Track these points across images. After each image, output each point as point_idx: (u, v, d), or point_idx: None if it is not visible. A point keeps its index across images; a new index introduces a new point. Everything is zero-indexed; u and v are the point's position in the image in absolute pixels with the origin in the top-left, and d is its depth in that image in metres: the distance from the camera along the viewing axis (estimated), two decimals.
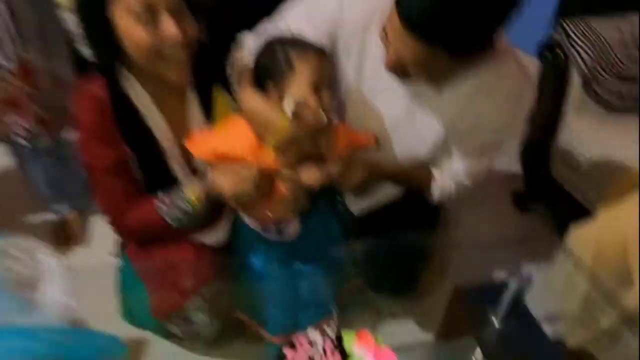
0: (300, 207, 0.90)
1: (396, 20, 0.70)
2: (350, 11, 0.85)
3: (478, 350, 0.89)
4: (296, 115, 0.75)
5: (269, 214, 0.89)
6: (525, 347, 0.91)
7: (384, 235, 0.97)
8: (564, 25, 1.36)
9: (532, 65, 1.25)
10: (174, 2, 0.71)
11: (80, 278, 0.82)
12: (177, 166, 0.88)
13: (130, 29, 0.71)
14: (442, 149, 0.92)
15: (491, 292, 0.96)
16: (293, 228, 0.93)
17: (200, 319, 0.97)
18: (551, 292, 1.02)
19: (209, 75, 0.86)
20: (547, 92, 1.44)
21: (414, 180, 0.99)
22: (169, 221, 0.84)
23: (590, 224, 0.99)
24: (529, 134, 1.51)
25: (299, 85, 0.77)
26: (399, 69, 0.79)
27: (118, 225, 0.89)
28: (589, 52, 1.33)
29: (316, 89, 0.78)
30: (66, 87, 1.24)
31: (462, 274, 1.15)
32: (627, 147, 1.26)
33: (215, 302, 0.97)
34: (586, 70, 1.34)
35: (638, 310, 0.84)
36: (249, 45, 0.89)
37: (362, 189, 0.94)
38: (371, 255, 1.05)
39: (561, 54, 1.37)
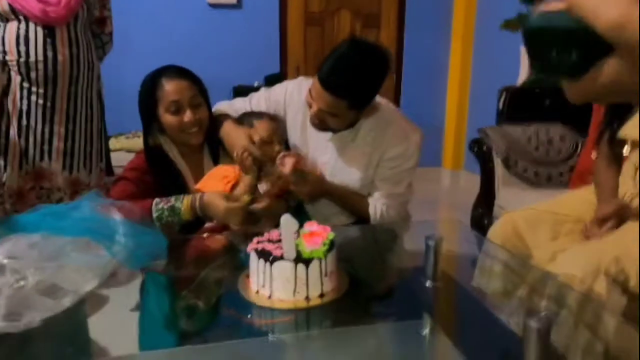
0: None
1: (317, 83, 1.13)
2: (291, 100, 1.33)
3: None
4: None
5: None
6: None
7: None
8: (485, 130, 1.97)
9: None
10: (193, 100, 1.20)
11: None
12: None
13: (167, 118, 1.20)
14: (368, 181, 1.33)
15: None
16: None
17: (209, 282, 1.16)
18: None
19: (217, 140, 1.31)
20: (483, 175, 1.95)
21: (355, 205, 1.35)
22: (154, 214, 1.13)
23: (496, 225, 1.35)
24: (475, 205, 1.95)
25: (254, 135, 1.23)
26: (320, 122, 1.20)
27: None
28: (503, 143, 1.88)
29: (267, 140, 1.22)
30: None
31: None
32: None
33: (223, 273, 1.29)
34: (504, 155, 1.87)
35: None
36: (222, 107, 1.37)
37: (312, 199, 1.33)
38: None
39: (485, 148, 1.94)
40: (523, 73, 2.44)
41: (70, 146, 1.71)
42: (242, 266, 0.93)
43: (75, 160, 1.72)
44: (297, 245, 0.78)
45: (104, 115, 1.85)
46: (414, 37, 3.52)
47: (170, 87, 1.21)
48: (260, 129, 1.25)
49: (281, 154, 1.23)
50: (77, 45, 1.66)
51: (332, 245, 0.82)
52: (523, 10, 2.42)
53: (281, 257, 0.78)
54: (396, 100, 3.63)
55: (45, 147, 1.65)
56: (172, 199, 1.16)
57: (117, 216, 0.90)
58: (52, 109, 1.64)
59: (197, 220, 1.20)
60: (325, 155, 1.32)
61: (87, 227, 0.84)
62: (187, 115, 1.21)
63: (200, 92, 1.26)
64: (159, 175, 1.25)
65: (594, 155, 1.72)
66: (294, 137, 1.36)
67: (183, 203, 1.15)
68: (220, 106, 1.40)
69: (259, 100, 1.38)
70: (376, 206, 1.32)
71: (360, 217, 1.36)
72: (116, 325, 0.86)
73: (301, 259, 0.78)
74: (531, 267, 1.18)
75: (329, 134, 1.28)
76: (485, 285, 1.15)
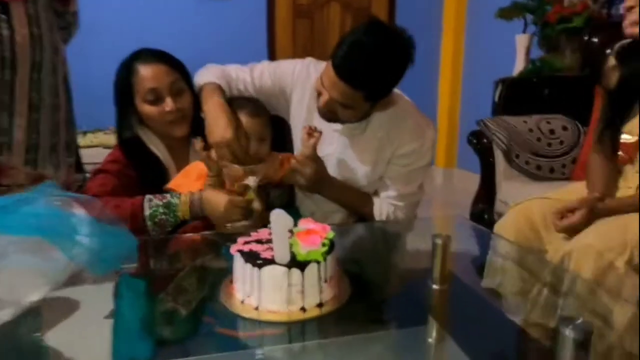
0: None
1: (331, 70, 1.00)
2: (298, 81, 1.17)
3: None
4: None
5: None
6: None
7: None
8: (484, 121, 1.87)
9: None
10: (173, 87, 1.07)
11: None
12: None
13: (145, 108, 1.08)
14: (375, 178, 1.20)
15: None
16: None
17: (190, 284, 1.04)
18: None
19: (202, 129, 1.20)
20: (483, 169, 1.86)
21: (357, 202, 1.22)
22: (147, 211, 1.00)
23: (506, 217, 1.24)
24: (475, 201, 1.85)
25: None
26: (329, 113, 1.06)
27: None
28: (504, 135, 1.79)
29: (246, 135, 1.07)
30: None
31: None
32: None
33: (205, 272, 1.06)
34: (504, 147, 1.77)
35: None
36: (211, 72, 1.16)
37: (312, 187, 1.16)
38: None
39: (485, 140, 1.84)
40: (519, 63, 2.36)
41: (34, 139, 1.54)
42: (227, 269, 0.79)
43: (39, 155, 1.55)
44: (291, 246, 0.66)
45: (72, 105, 1.68)
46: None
47: (146, 73, 1.08)
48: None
49: (307, 127, 1.09)
50: (37, 25, 1.49)
51: (332, 245, 0.70)
52: None
53: (272, 261, 0.65)
54: None
55: (5, 139, 1.50)
56: (168, 195, 1.04)
57: (79, 212, 0.77)
58: (11, 97, 1.48)
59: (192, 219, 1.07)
60: (331, 146, 1.19)
61: (39, 224, 0.69)
62: (168, 104, 1.08)
63: (182, 77, 1.13)
64: (140, 169, 1.11)
65: None
66: (298, 123, 1.22)
67: (180, 199, 1.02)
68: (208, 71, 1.18)
69: (263, 74, 1.20)
70: (382, 207, 1.20)
71: (362, 217, 1.24)
72: (87, 334, 0.74)
73: (296, 263, 0.65)
74: (548, 263, 1.08)
75: (337, 124, 1.15)
76: (496, 285, 1.05)
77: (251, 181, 1.02)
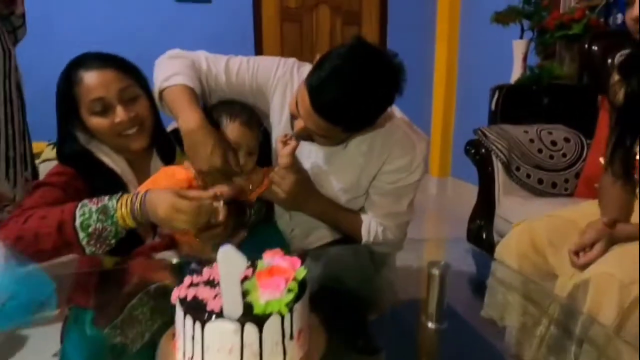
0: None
1: (306, 98, 0.86)
2: (277, 85, 1.04)
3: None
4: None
5: (195, 243, 0.93)
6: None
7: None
8: (482, 130, 1.74)
9: None
10: (123, 94, 0.92)
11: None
12: None
13: (93, 121, 0.92)
14: (357, 196, 1.08)
15: None
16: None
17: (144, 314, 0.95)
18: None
19: (168, 142, 1.04)
20: (481, 182, 1.72)
21: (344, 221, 1.09)
22: (78, 219, 0.82)
23: (508, 238, 1.11)
24: (472, 216, 1.71)
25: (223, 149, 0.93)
26: (306, 137, 0.96)
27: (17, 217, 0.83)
28: (504, 145, 1.66)
29: (235, 148, 0.95)
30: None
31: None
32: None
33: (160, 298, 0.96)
34: (504, 159, 1.64)
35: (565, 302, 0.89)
36: (175, 61, 0.99)
37: (291, 203, 1.04)
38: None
39: (483, 150, 1.71)
40: (517, 70, 2.25)
41: None
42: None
43: None
44: (246, 294, 0.52)
45: (25, 113, 1.54)
46: (397, 35, 3.34)
47: (90, 81, 0.92)
48: (230, 133, 0.97)
49: (282, 135, 0.97)
50: None
51: (302, 289, 0.55)
52: (513, 2, 2.24)
53: (220, 314, 0.50)
54: None
55: None
56: (106, 197, 0.86)
57: None
58: None
59: (137, 236, 0.91)
60: (309, 159, 1.07)
61: None
62: (118, 114, 0.92)
63: (136, 82, 0.97)
64: (93, 181, 0.95)
65: (602, 160, 1.52)
66: (278, 130, 1.08)
67: (119, 201, 0.84)
68: (173, 61, 1.00)
69: (240, 70, 1.04)
70: (370, 226, 1.08)
71: (348, 236, 1.11)
72: None
73: (251, 317, 0.50)
74: (555, 297, 0.94)
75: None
76: (498, 318, 0.92)
77: (220, 205, 0.87)
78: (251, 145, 0.99)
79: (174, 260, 0.93)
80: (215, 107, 1.03)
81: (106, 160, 0.97)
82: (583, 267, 0.92)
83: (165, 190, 0.84)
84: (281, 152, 0.97)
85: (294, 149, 0.97)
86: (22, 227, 0.82)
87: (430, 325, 0.80)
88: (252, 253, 0.94)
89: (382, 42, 3.36)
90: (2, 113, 1.40)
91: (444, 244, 1.28)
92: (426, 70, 3.42)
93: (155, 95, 1.00)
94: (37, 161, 2.20)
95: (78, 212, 0.83)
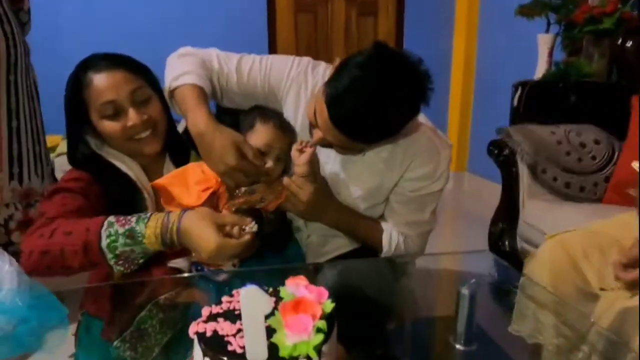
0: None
1: (325, 114, 0.82)
2: (291, 86, 0.99)
3: None
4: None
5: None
6: None
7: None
8: (507, 130, 1.67)
9: None
10: (136, 96, 0.88)
11: None
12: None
13: (104, 125, 0.89)
14: (379, 202, 1.03)
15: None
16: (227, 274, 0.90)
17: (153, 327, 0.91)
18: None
19: (181, 145, 0.99)
20: (504, 184, 1.65)
21: (364, 232, 1.04)
22: (104, 240, 0.77)
23: (541, 251, 1.04)
24: (494, 219, 1.65)
25: (253, 142, 0.91)
26: (324, 144, 0.91)
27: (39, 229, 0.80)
28: (530, 146, 1.58)
29: (262, 150, 0.91)
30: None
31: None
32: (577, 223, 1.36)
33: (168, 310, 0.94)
34: (530, 161, 1.57)
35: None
36: (185, 60, 0.94)
37: (309, 214, 0.99)
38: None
39: (507, 151, 1.63)
40: (541, 65, 2.15)
41: (17, 149, 1.38)
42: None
43: (24, 167, 1.39)
44: (269, 330, 0.47)
45: (41, 109, 1.52)
46: (414, 27, 3.24)
47: (100, 83, 0.88)
48: (261, 135, 0.94)
49: (298, 143, 0.92)
50: (9, 23, 1.33)
51: (331, 324, 0.50)
52: None
53: (242, 356, 0.46)
54: None
55: None
56: (133, 218, 0.80)
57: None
58: None
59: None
60: (326, 165, 1.02)
61: None
62: (131, 118, 0.88)
63: (147, 84, 0.93)
64: (106, 184, 0.91)
65: (635, 164, 1.44)
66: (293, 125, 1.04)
67: (148, 226, 0.78)
68: (183, 60, 0.95)
69: (252, 70, 0.99)
70: (392, 235, 1.03)
71: (368, 246, 1.06)
72: None
73: None
74: (595, 322, 0.88)
75: None
76: (528, 335, 0.87)
77: (253, 227, 0.82)
78: (282, 150, 0.96)
79: (185, 274, 0.89)
80: (248, 111, 1.00)
81: (119, 164, 0.94)
82: (631, 285, 0.86)
83: (204, 223, 0.77)
84: (297, 161, 0.92)
85: (311, 156, 0.92)
86: (48, 241, 0.78)
87: (458, 347, 0.76)
88: (268, 263, 0.94)
89: (398, 34, 3.27)
90: (27, 109, 1.38)
91: (470, 258, 1.21)
92: (444, 63, 3.33)
93: (166, 94, 0.96)
94: (52, 155, 2.20)
95: (104, 233, 0.78)
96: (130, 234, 0.77)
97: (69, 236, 0.77)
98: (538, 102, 1.93)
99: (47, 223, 0.81)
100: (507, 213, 1.64)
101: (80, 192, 0.88)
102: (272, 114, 0.98)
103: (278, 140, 0.95)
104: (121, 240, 0.77)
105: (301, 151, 0.92)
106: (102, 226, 0.78)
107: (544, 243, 1.04)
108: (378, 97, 0.79)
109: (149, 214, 0.81)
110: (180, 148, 1.00)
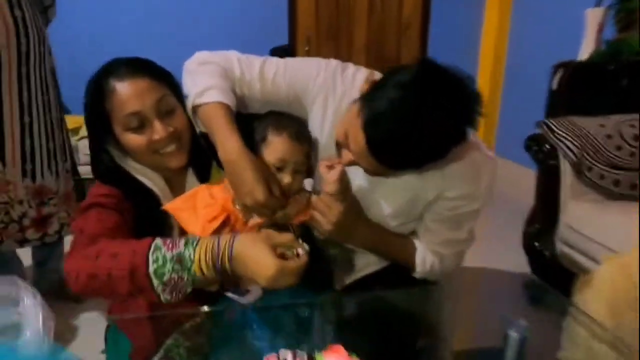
0: None
1: (361, 140, 0.73)
2: (319, 93, 0.90)
3: None
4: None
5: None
6: None
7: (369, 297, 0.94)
8: (547, 123, 1.51)
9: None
10: (161, 106, 0.83)
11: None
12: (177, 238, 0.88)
13: (128, 138, 0.83)
14: (411, 220, 0.94)
15: (492, 355, 0.88)
16: (254, 294, 0.85)
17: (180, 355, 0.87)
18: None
19: (203, 157, 0.93)
20: (540, 182, 1.51)
21: (396, 252, 0.96)
22: (151, 266, 0.70)
23: (597, 276, 0.93)
24: (530, 219, 1.52)
25: (267, 156, 0.85)
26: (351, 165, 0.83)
27: (80, 250, 0.76)
28: (575, 142, 1.44)
29: (278, 166, 0.84)
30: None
31: (459, 338, 1.04)
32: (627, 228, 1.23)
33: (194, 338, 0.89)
34: (575, 159, 1.43)
35: None
36: (203, 70, 0.88)
37: (338, 235, 0.90)
38: (356, 317, 0.99)
39: (547, 147, 1.49)
40: (588, 44, 1.94)
41: (29, 145, 1.34)
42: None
43: (37, 163, 1.36)
44: None
45: (62, 100, 1.47)
46: (441, 1, 3.02)
47: (124, 92, 0.81)
48: (275, 149, 0.86)
49: (325, 160, 0.85)
50: (20, 7, 1.25)
51: None
52: None
53: None
54: None
55: None
56: (182, 242, 0.72)
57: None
58: None
59: None
60: (354, 180, 0.92)
61: None
62: (157, 131, 0.82)
63: (171, 91, 0.86)
64: (132, 199, 0.87)
65: None
66: (318, 145, 0.96)
67: (197, 251, 0.71)
68: (204, 70, 0.88)
69: (276, 76, 0.91)
70: (426, 255, 0.94)
71: (399, 265, 0.98)
72: None
73: None
74: None
75: None
76: None
77: (305, 248, 0.75)
78: (299, 162, 0.87)
79: (206, 308, 0.83)
80: (261, 119, 0.91)
81: (143, 179, 0.88)
82: None
83: (259, 246, 0.71)
84: (327, 178, 0.84)
85: (342, 173, 0.83)
86: (95, 264, 0.73)
87: None
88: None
89: (424, 9, 3.07)
90: (40, 102, 1.33)
91: (510, 278, 1.10)
92: (472, 39, 3.11)
93: (189, 109, 0.89)
94: (75, 138, 2.17)
95: (151, 258, 0.71)
96: (178, 259, 0.71)
97: (115, 259, 0.72)
98: (582, 85, 1.74)
99: (89, 242, 0.77)
100: (545, 213, 1.51)
101: (114, 208, 0.83)
102: (286, 123, 0.89)
103: (293, 153, 0.86)
104: (169, 265, 0.70)
105: (330, 167, 0.84)
106: (149, 249, 0.71)
107: (601, 267, 0.92)
108: (422, 124, 0.70)
109: (197, 238, 0.74)
110: (203, 160, 0.94)
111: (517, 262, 1.55)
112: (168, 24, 2.60)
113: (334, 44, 3.02)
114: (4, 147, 1.30)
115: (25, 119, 1.31)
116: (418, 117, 0.69)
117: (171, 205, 0.85)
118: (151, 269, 0.70)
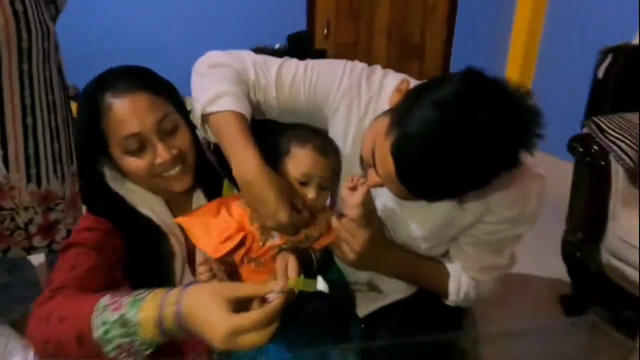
0: None
1: (390, 165, 0.63)
2: (341, 101, 0.81)
3: None
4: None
5: None
6: None
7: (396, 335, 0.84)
8: (596, 120, 1.36)
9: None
10: (164, 125, 0.74)
11: None
12: (179, 266, 0.82)
13: (127, 162, 0.74)
14: (442, 242, 0.85)
15: None
16: None
17: None
18: None
19: (212, 174, 0.86)
20: (586, 188, 1.37)
21: (426, 280, 0.87)
22: (95, 332, 0.59)
23: None
24: (570, 231, 1.39)
25: (290, 170, 0.77)
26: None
27: (40, 312, 0.67)
28: (630, 143, 1.29)
29: (302, 181, 0.77)
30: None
31: None
32: None
33: None
34: (630, 162, 1.28)
35: None
36: (215, 73, 0.80)
37: (360, 262, 0.80)
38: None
39: (596, 148, 1.34)
40: None
41: (33, 148, 1.26)
42: None
43: (42, 167, 1.29)
44: None
45: (68, 99, 1.37)
46: None
47: (121, 111, 0.72)
48: (298, 163, 0.77)
49: (350, 178, 0.75)
50: (21, 0, 1.16)
51: None
52: None
53: None
54: (446, 55, 3.09)
55: None
56: (128, 299, 0.60)
57: None
58: None
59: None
60: (379, 199, 0.82)
61: None
62: (160, 154, 0.73)
63: (172, 106, 0.76)
64: (126, 231, 0.78)
65: None
66: (342, 149, 0.86)
67: (142, 310, 0.58)
68: (216, 74, 0.79)
69: (294, 82, 0.82)
70: (461, 282, 0.84)
71: (429, 291, 0.88)
72: None
73: None
74: None
75: None
76: None
77: (321, 285, 0.64)
78: (324, 178, 0.78)
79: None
80: (282, 133, 0.82)
81: (141, 208, 0.79)
82: None
83: (215, 301, 0.57)
84: (349, 201, 0.73)
85: (366, 196, 0.72)
86: (45, 328, 0.65)
87: None
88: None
89: None
90: (44, 103, 1.24)
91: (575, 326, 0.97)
92: (503, 21, 2.91)
93: (197, 117, 0.79)
94: None
95: (94, 323, 0.59)
96: (122, 323, 0.58)
97: (61, 324, 0.63)
98: (635, 74, 1.57)
99: (50, 297, 0.68)
100: (590, 222, 1.37)
101: (93, 246, 0.74)
102: (310, 134, 0.81)
103: (318, 167, 0.78)
104: (114, 330, 0.59)
105: (353, 189, 0.73)
106: (92, 311, 0.60)
107: None
108: (463, 150, 0.58)
109: (146, 293, 0.60)
110: (212, 177, 0.84)
111: (554, 268, 1.43)
112: (184, 6, 2.52)
113: (354, 25, 2.87)
114: (7, 150, 1.23)
115: (28, 121, 1.23)
116: (459, 143, 0.58)
117: (184, 219, 0.77)
118: (96, 334, 0.59)
